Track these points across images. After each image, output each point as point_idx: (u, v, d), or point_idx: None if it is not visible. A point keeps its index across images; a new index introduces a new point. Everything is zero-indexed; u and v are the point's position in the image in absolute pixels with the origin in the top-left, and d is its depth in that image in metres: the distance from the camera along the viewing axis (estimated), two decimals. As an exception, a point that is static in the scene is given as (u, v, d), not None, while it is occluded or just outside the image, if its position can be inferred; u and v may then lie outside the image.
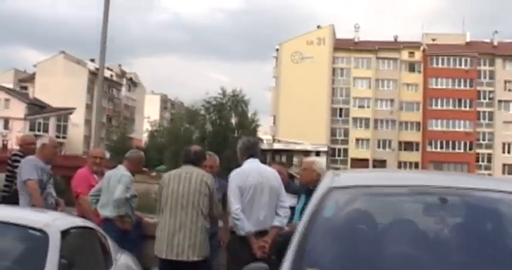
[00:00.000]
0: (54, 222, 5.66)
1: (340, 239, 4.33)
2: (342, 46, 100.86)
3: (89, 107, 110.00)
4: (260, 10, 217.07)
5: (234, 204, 6.71)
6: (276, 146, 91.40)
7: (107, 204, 8.23)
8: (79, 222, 6.56)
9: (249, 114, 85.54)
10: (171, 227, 6.90)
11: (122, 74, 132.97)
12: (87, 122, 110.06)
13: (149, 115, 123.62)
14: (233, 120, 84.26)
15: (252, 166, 6.98)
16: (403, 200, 4.80)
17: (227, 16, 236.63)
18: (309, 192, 7.11)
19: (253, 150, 7.17)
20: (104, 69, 17.00)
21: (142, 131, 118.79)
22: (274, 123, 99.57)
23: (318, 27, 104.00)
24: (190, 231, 6.86)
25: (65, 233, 5.33)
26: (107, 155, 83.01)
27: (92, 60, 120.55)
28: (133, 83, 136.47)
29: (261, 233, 6.73)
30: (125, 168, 8.51)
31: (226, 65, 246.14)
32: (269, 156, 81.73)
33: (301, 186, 8.22)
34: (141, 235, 8.66)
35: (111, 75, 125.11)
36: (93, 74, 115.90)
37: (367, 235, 4.43)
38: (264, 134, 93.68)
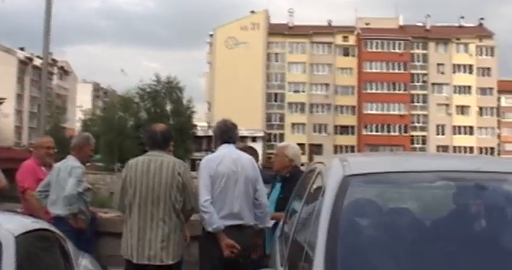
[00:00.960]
0: (5, 226, 4.33)
1: (388, 246, 3.47)
2: (276, 31, 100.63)
3: (19, 97, 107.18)
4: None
5: (203, 196, 5.92)
6: (212, 132, 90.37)
7: (57, 201, 7.21)
8: (34, 224, 5.21)
9: (184, 101, 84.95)
10: (141, 226, 5.89)
11: (53, 62, 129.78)
12: (18, 112, 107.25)
13: (82, 104, 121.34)
14: (168, 107, 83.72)
15: (225, 152, 6.16)
16: (439, 188, 4.11)
17: (157, 3, 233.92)
18: (285, 181, 7.04)
19: (230, 135, 6.32)
20: (47, 59, 15.51)
21: (75, 120, 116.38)
22: (209, 109, 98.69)
23: (252, 12, 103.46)
24: (163, 231, 5.87)
25: (20, 239, 4.15)
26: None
27: (22, 49, 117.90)
28: (64, 72, 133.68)
29: (236, 227, 5.99)
30: (74, 158, 7.52)
31: (158, 53, 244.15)
32: (205, 143, 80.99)
33: (275, 174, 7.47)
34: (96, 232, 7.72)
35: (42, 64, 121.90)
36: (23, 63, 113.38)
37: (423, 237, 3.61)
38: (199, 120, 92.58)
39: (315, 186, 4.40)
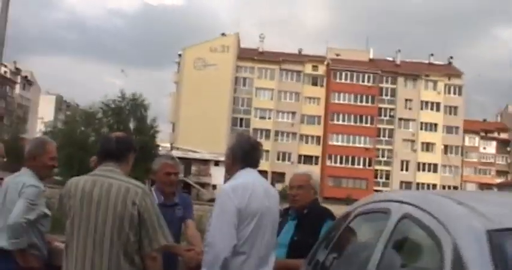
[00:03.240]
0: None
1: None
2: (246, 55, 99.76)
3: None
4: (158, 16, 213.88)
5: (226, 239, 4.30)
6: (175, 153, 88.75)
7: (2, 230, 5.36)
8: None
9: (148, 120, 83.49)
10: None
11: (17, 71, 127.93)
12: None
13: (43, 116, 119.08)
14: (131, 125, 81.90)
15: (254, 180, 4.66)
16: None
17: (126, 21, 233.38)
18: (302, 218, 5.65)
19: (256, 158, 4.81)
20: None
21: (36, 131, 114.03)
22: (173, 130, 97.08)
23: (223, 34, 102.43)
24: None
25: None
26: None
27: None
28: (28, 82, 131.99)
29: None
30: (29, 172, 5.68)
31: (124, 70, 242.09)
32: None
33: (294, 211, 5.82)
34: (50, 268, 5.55)
35: (5, 72, 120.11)
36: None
37: None
38: (162, 141, 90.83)
39: (404, 240, 3.17)
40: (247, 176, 4.60)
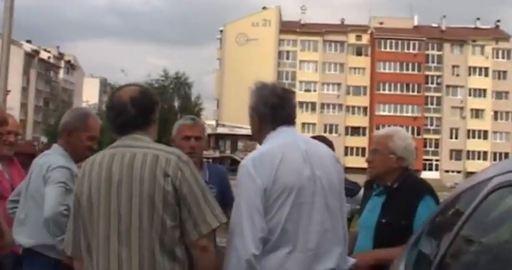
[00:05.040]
0: None
1: None
2: (288, 28, 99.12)
3: (24, 90, 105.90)
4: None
5: (247, 237, 3.22)
6: (220, 130, 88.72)
7: (25, 222, 4.47)
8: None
9: (192, 98, 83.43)
10: None
11: (60, 56, 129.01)
12: (23, 105, 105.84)
13: (88, 99, 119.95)
14: (176, 104, 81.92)
15: (288, 142, 3.44)
16: None
17: (164, 2, 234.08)
18: (391, 194, 4.35)
19: (289, 111, 3.58)
20: (9, 47, 13.55)
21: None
22: (217, 106, 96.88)
23: (264, 8, 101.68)
24: None
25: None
26: (44, 139, 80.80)
27: (29, 41, 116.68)
28: (71, 66, 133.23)
29: None
30: (60, 149, 4.61)
31: (165, 50, 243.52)
32: (212, 141, 79.24)
33: (368, 183, 4.77)
34: None
35: (49, 57, 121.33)
36: (30, 56, 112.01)
37: None
38: (206, 118, 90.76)
39: None
40: (276, 139, 3.44)
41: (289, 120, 3.53)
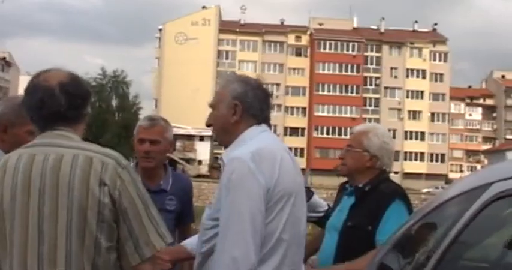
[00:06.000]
0: None
1: None
2: (227, 28, 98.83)
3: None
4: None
5: (250, 244, 2.74)
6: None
7: None
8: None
9: (130, 97, 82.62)
10: None
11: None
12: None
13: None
14: (113, 103, 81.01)
15: (274, 143, 3.10)
16: None
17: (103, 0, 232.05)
18: (362, 197, 3.90)
19: (269, 109, 3.19)
20: None
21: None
22: (156, 106, 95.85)
23: (204, 7, 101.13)
24: None
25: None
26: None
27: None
28: (6, 63, 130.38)
29: None
30: None
31: (103, 49, 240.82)
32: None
33: (341, 185, 4.33)
34: None
35: None
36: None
37: None
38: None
39: None
40: (265, 138, 3.04)
41: (269, 120, 3.18)
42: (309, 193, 4.64)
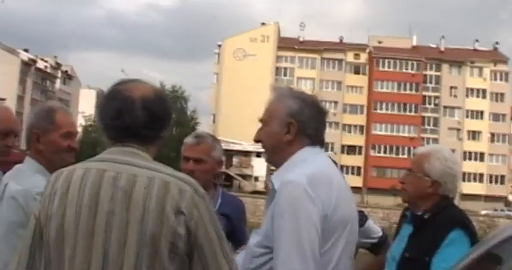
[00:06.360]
0: None
1: None
2: (286, 45, 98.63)
3: (20, 99, 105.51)
4: (197, 8, 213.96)
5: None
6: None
7: None
8: None
9: (188, 112, 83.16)
10: None
11: (57, 66, 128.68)
12: (18, 114, 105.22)
13: (84, 110, 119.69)
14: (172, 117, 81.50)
15: (333, 168, 2.90)
16: None
17: (163, 14, 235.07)
18: (421, 225, 3.62)
19: (324, 129, 2.99)
20: None
21: (77, 126, 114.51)
22: (214, 121, 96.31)
23: (263, 24, 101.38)
24: None
25: None
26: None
27: (26, 50, 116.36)
28: (68, 76, 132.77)
29: None
30: (33, 161, 3.38)
31: (162, 64, 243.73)
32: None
33: (403, 211, 4.03)
34: None
35: (46, 67, 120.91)
36: (26, 65, 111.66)
37: None
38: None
39: None
40: (320, 160, 2.83)
41: (323, 141, 2.95)
42: (363, 218, 4.38)
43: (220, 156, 4.25)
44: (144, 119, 2.36)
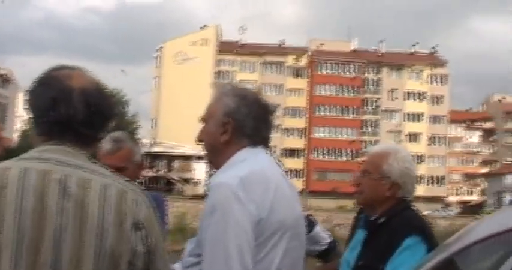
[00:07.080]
0: None
1: None
2: (226, 48, 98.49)
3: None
4: (135, 12, 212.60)
5: None
6: (156, 149, 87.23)
7: None
8: None
9: (128, 116, 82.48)
10: None
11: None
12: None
13: (22, 114, 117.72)
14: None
15: (273, 168, 2.66)
16: None
17: (101, 18, 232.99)
18: (375, 230, 3.33)
19: (269, 129, 2.74)
20: None
21: (14, 130, 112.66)
22: (154, 125, 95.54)
23: (203, 27, 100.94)
24: None
25: None
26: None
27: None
28: (5, 80, 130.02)
29: None
30: None
31: (99, 66, 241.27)
32: (148, 161, 77.72)
33: (358, 213, 3.73)
34: None
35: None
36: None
37: None
38: (142, 137, 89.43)
39: None
40: (259, 160, 2.60)
41: (267, 141, 2.70)
42: (311, 223, 4.10)
43: (140, 159, 3.89)
44: (83, 113, 1.98)
